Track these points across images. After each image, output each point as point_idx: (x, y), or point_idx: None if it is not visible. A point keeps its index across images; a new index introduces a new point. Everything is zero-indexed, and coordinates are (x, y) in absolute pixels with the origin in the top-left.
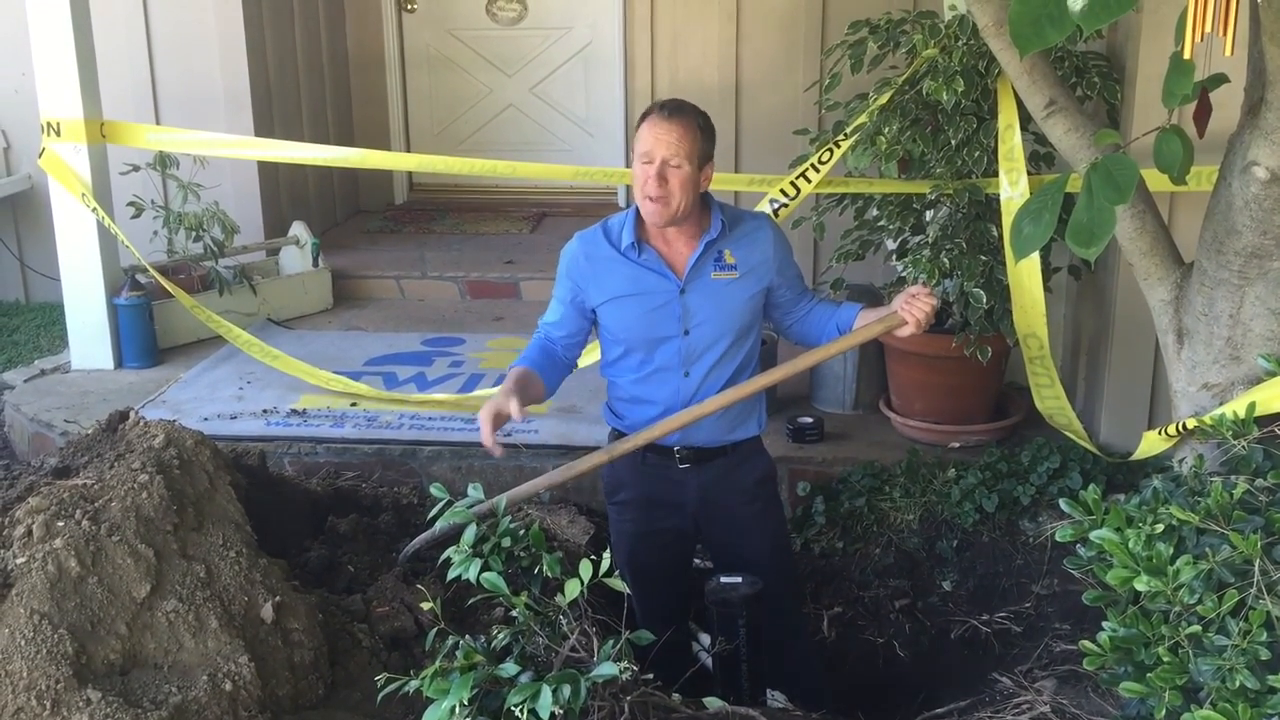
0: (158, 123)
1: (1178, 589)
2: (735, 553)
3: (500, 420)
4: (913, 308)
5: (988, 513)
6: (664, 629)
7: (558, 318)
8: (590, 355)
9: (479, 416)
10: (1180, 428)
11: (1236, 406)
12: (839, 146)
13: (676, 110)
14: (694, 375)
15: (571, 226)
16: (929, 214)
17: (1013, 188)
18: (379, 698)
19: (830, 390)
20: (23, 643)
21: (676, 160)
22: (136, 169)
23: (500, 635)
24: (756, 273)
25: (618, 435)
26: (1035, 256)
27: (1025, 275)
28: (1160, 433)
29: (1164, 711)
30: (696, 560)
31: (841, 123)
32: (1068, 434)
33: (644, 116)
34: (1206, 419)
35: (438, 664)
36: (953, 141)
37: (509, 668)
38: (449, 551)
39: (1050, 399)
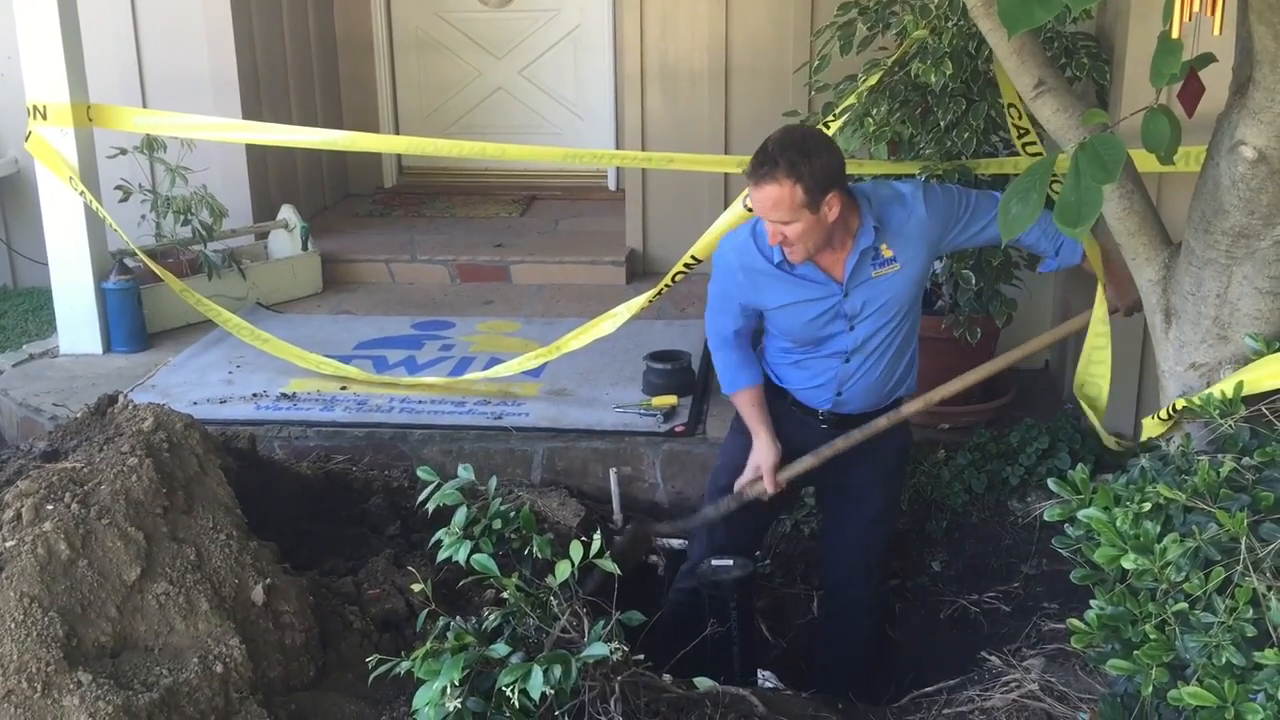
0: (145, 106)
1: (1165, 567)
2: (842, 514)
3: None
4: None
5: (977, 493)
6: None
7: (733, 320)
8: (578, 339)
9: (753, 475)
10: (1171, 410)
11: (1225, 387)
12: (828, 128)
13: (763, 176)
14: (854, 361)
15: (561, 210)
16: None
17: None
18: (370, 679)
19: None
20: (13, 625)
21: (782, 219)
22: (124, 152)
23: (491, 617)
24: (917, 255)
25: (772, 384)
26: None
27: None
28: (1154, 418)
29: (1151, 688)
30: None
31: (831, 104)
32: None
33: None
34: (1195, 399)
35: (429, 645)
36: (941, 123)
37: (500, 649)
38: (439, 533)
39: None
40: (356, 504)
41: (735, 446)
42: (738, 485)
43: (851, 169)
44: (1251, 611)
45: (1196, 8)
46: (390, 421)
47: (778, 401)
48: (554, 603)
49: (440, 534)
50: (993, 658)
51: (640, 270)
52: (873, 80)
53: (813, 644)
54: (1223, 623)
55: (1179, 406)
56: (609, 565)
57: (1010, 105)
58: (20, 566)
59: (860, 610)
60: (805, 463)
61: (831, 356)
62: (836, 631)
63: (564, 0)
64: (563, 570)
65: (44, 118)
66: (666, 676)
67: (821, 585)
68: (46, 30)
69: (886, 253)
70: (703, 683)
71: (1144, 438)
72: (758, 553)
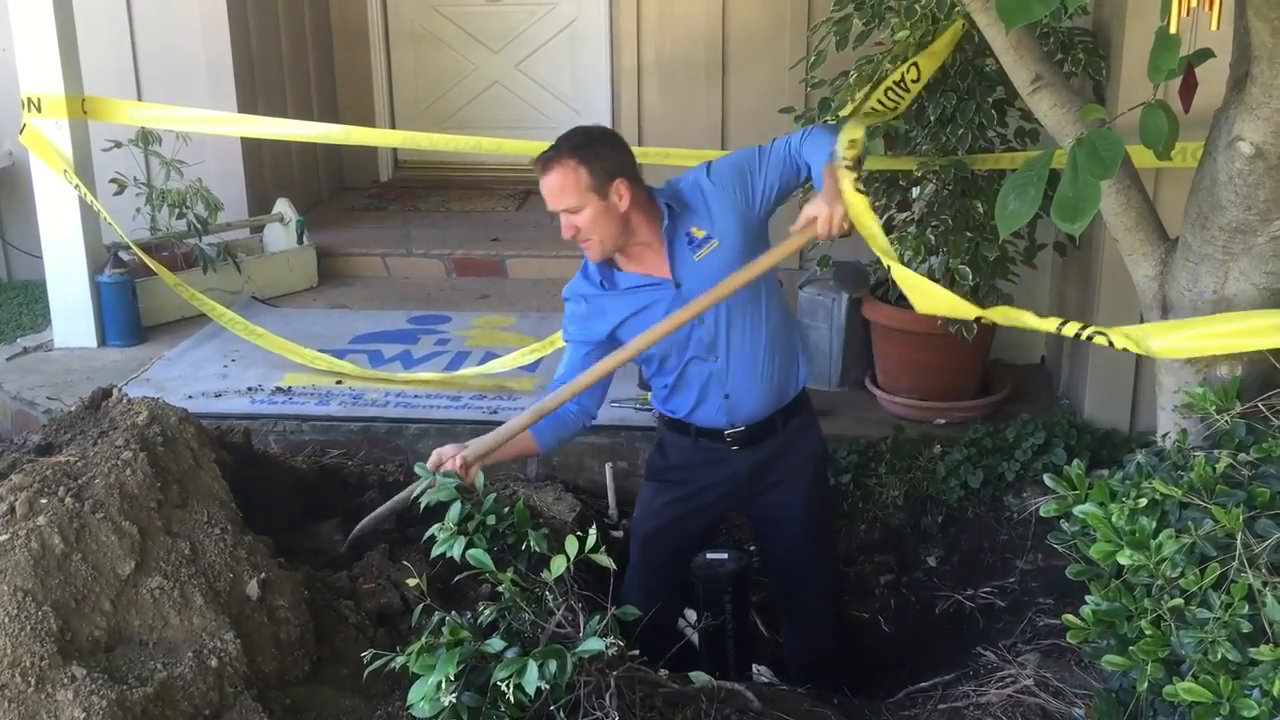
0: (140, 99)
1: (1160, 563)
2: (770, 531)
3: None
4: (825, 224)
5: (972, 489)
6: (661, 606)
7: (577, 360)
8: None
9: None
10: (1079, 333)
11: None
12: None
13: (548, 160)
14: (722, 357)
15: None
16: (915, 191)
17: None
18: (365, 674)
19: (816, 367)
20: (6, 620)
21: (569, 206)
22: (119, 145)
23: (487, 611)
24: (731, 229)
25: (671, 421)
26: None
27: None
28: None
29: (1146, 684)
30: None
31: (827, 100)
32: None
33: None
34: (1157, 351)
35: (424, 640)
36: (932, 118)
37: (495, 643)
38: (434, 529)
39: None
40: (352, 498)
41: (649, 493)
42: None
43: None
44: (1247, 608)
45: (1194, 3)
46: (385, 416)
47: (682, 440)
48: (549, 597)
49: (435, 529)
50: (988, 653)
51: None
52: (865, 90)
53: (782, 660)
54: (1218, 619)
55: (1119, 347)
56: (605, 560)
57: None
58: (14, 560)
59: (817, 614)
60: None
61: (700, 360)
62: (799, 634)
63: None
64: (558, 565)
65: (38, 110)
66: (663, 671)
67: (772, 602)
68: (41, 22)
69: (698, 233)
70: (698, 677)
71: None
72: (750, 547)
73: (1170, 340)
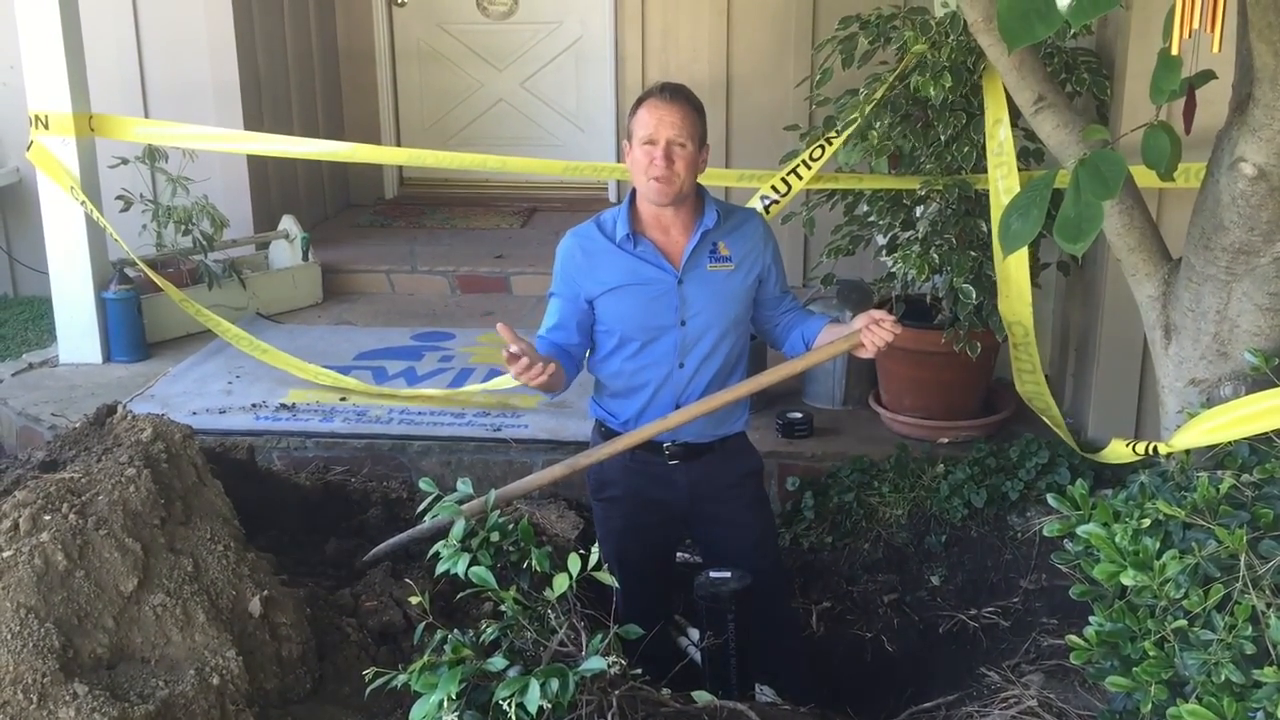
0: (146, 116)
1: (1164, 584)
2: (722, 548)
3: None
4: (875, 335)
5: (976, 508)
6: (650, 624)
7: (557, 319)
8: None
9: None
10: (1150, 450)
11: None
12: (830, 143)
13: (676, 92)
14: (688, 366)
15: (562, 221)
16: (919, 210)
17: (1003, 181)
18: (367, 692)
19: (820, 385)
20: (9, 636)
21: (681, 139)
22: (125, 162)
23: (489, 629)
24: (750, 264)
25: (608, 431)
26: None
27: (1013, 265)
28: (1129, 446)
29: (1150, 705)
30: (685, 555)
31: (832, 118)
32: (1044, 419)
33: (641, 101)
34: (1174, 446)
35: (426, 658)
36: (942, 137)
37: (497, 662)
38: (437, 546)
39: (1031, 383)
40: (355, 515)
41: (600, 514)
42: None
43: (852, 183)
44: (1251, 629)
45: (1196, 24)
46: (389, 433)
47: (619, 457)
48: (552, 616)
49: (438, 546)
50: (992, 674)
51: None
52: (877, 95)
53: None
54: (1222, 640)
55: (1163, 452)
56: (607, 578)
57: (996, 122)
58: (17, 577)
59: (779, 621)
60: (534, 480)
61: (664, 362)
62: (764, 641)
63: (565, 13)
64: (560, 583)
65: (46, 127)
66: (665, 691)
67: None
68: (49, 40)
69: (724, 251)
70: (701, 697)
71: (1105, 456)
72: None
73: (1190, 435)
